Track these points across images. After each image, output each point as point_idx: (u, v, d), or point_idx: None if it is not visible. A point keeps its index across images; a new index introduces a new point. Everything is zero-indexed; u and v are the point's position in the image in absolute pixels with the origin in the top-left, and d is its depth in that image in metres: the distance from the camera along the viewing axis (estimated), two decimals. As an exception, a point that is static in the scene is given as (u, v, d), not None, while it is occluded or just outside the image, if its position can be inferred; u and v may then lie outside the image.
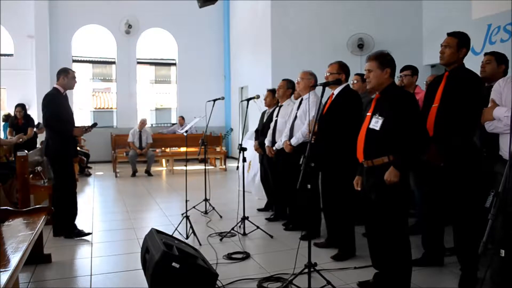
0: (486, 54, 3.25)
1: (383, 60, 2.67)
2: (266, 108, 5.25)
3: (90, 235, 4.22)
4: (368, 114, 2.74)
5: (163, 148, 9.70)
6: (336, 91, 3.54)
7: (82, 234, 4.18)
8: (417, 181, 3.54)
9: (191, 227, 4.08)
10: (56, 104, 4.10)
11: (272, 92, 5.10)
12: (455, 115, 2.85)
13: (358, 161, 2.83)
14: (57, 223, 4.13)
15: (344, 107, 3.42)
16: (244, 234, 4.19)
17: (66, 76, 4.19)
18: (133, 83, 11.30)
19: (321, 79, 3.63)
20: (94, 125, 4.52)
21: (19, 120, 7.52)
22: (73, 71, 4.30)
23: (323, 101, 3.02)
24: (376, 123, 2.63)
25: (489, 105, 2.49)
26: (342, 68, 3.54)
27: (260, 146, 4.94)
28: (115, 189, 7.22)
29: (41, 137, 7.85)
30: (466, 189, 2.83)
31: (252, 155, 5.99)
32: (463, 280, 2.88)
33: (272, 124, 4.68)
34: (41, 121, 8.76)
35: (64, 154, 4.15)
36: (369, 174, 2.73)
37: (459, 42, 2.95)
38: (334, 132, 3.42)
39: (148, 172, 8.55)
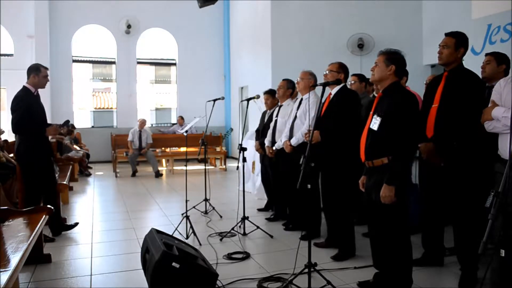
0: (486, 54, 3.25)
1: (390, 56, 2.66)
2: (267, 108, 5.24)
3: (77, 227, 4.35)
4: (370, 113, 2.74)
5: (163, 148, 9.69)
6: (334, 91, 3.56)
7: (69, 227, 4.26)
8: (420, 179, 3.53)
9: (191, 227, 4.08)
10: (25, 106, 3.85)
11: (270, 93, 5.07)
12: (455, 115, 2.85)
13: (358, 160, 2.83)
14: (53, 222, 4.09)
15: (342, 106, 3.43)
16: (244, 234, 4.19)
17: (37, 74, 3.95)
18: (133, 83, 11.30)
19: (321, 79, 3.64)
20: (67, 122, 4.38)
21: None
22: (45, 69, 4.04)
23: (322, 101, 3.02)
24: (375, 123, 2.63)
25: (489, 105, 2.50)
26: (342, 68, 3.58)
27: (261, 147, 4.94)
28: (115, 189, 7.22)
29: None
30: (466, 189, 2.83)
31: (255, 155, 5.99)
32: (463, 280, 2.89)
33: (272, 124, 4.68)
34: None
35: (35, 159, 3.92)
36: (370, 174, 2.73)
37: (457, 42, 2.96)
38: (332, 131, 3.42)
39: (156, 173, 8.44)
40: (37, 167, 3.97)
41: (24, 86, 4.00)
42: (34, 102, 4.00)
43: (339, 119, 3.40)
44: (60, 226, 4.25)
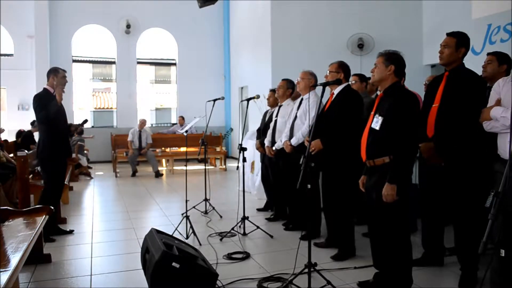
0: (488, 54, 3.24)
1: (389, 56, 2.67)
2: (268, 107, 5.25)
3: (73, 232, 4.27)
4: (371, 113, 2.74)
5: (163, 148, 9.70)
6: (336, 90, 3.54)
7: (63, 231, 4.19)
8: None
9: (191, 227, 4.08)
10: (44, 105, 3.99)
11: (275, 91, 5.09)
12: (456, 115, 2.85)
13: (359, 160, 2.82)
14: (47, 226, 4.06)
15: (344, 106, 3.41)
16: (244, 234, 4.19)
17: (55, 76, 4.09)
18: (133, 83, 11.30)
19: (321, 79, 3.64)
20: (85, 121, 4.46)
21: None
22: (63, 71, 4.18)
23: (323, 101, 3.02)
24: (376, 122, 2.64)
25: (494, 103, 2.50)
26: (341, 67, 3.55)
27: (261, 145, 4.94)
28: (115, 189, 7.22)
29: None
30: (466, 189, 2.83)
31: (255, 155, 5.98)
32: (463, 280, 2.88)
33: (272, 124, 4.68)
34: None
35: (55, 155, 4.07)
36: (371, 173, 2.73)
37: (457, 41, 2.96)
38: (334, 131, 3.41)
39: (156, 173, 8.45)
40: (54, 165, 4.10)
41: (44, 88, 4.17)
42: (53, 102, 4.10)
43: (340, 119, 3.38)
44: (53, 229, 4.18)
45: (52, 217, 4.10)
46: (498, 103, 2.46)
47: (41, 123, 4.08)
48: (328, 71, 3.59)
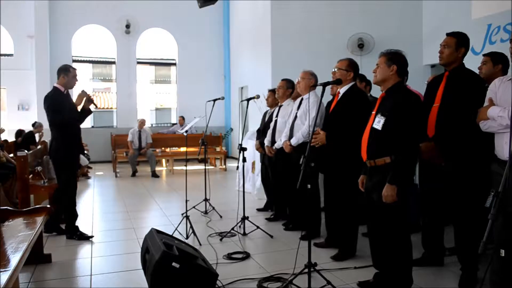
0: (484, 55, 3.26)
1: (391, 56, 2.66)
2: (268, 108, 5.25)
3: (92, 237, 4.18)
4: (373, 113, 2.74)
5: (163, 148, 9.70)
6: (343, 90, 3.45)
7: (83, 237, 4.11)
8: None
9: (191, 227, 4.08)
10: (55, 104, 3.99)
11: (273, 92, 5.09)
12: (456, 115, 2.85)
13: (363, 160, 2.82)
14: (51, 220, 4.00)
15: (350, 106, 3.36)
16: (244, 234, 4.19)
17: (66, 74, 4.08)
18: (133, 83, 11.30)
19: (321, 79, 3.61)
20: (91, 101, 4.43)
21: None
22: (74, 69, 4.17)
23: (328, 100, 3.00)
24: (378, 122, 2.63)
25: (487, 104, 2.50)
26: (351, 66, 3.44)
27: (261, 146, 4.94)
28: (115, 189, 7.22)
29: (45, 137, 7.86)
30: (466, 188, 2.83)
31: (255, 155, 5.98)
32: (463, 280, 2.89)
33: (272, 124, 4.67)
34: (37, 120, 8.76)
35: (65, 156, 4.08)
36: (371, 173, 2.73)
37: (457, 41, 2.96)
38: (339, 131, 3.38)
39: (153, 173, 8.47)
40: (67, 163, 4.11)
41: (54, 86, 4.15)
42: (64, 101, 4.12)
43: (346, 120, 3.32)
44: (74, 231, 4.17)
45: (71, 216, 4.13)
46: (491, 102, 2.46)
47: (56, 121, 4.04)
48: (336, 68, 3.45)
